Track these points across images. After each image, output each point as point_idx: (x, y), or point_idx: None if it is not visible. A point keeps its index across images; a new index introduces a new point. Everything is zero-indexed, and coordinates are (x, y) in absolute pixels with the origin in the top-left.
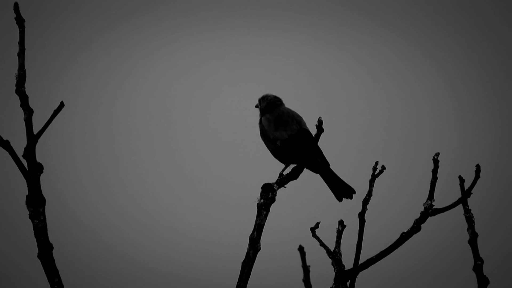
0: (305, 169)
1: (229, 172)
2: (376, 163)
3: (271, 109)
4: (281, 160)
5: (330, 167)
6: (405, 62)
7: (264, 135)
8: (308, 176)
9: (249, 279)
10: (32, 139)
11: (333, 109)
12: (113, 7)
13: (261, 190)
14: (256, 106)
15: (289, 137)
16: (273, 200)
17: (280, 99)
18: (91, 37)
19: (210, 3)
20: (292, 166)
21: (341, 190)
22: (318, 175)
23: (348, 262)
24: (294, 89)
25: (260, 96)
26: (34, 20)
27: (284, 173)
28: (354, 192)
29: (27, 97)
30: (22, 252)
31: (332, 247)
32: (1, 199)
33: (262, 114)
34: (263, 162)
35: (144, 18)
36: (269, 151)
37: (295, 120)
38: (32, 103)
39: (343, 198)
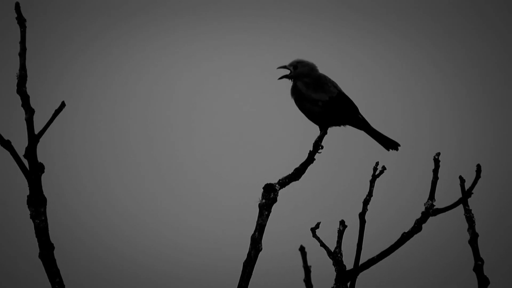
0: (308, 167)
1: (231, 172)
2: (377, 163)
3: (306, 74)
4: (321, 123)
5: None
6: (405, 61)
7: (302, 99)
8: (309, 176)
9: (250, 279)
10: (33, 139)
11: None
12: (114, 7)
13: (262, 190)
14: (285, 76)
15: (330, 99)
16: (274, 200)
17: (315, 65)
18: (92, 36)
19: (211, 3)
20: (296, 164)
21: (387, 142)
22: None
23: (349, 262)
24: None
25: (292, 60)
26: (34, 20)
27: (295, 167)
28: (399, 145)
29: (28, 97)
30: (23, 252)
31: (333, 247)
32: (2, 199)
33: (296, 79)
34: (265, 162)
35: (145, 18)
36: (305, 117)
37: (332, 83)
38: (33, 103)
39: (390, 150)
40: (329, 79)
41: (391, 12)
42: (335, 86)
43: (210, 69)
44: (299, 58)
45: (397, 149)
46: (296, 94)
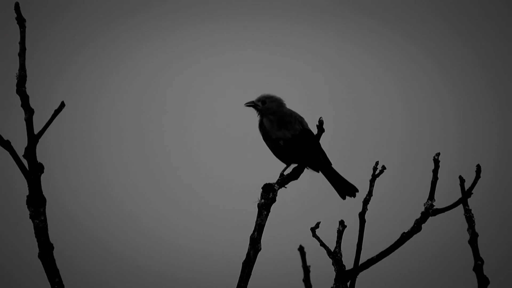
0: (306, 169)
1: (229, 172)
2: (377, 163)
3: (273, 110)
4: (283, 160)
5: (332, 166)
6: (406, 60)
7: (266, 135)
8: (309, 176)
9: (250, 279)
10: (33, 139)
11: (334, 108)
12: (113, 7)
13: (261, 190)
14: (251, 104)
15: (292, 137)
16: (273, 200)
17: (282, 100)
18: (91, 36)
19: (209, 2)
20: (293, 166)
21: (344, 188)
22: (319, 175)
23: (348, 262)
24: (296, 88)
25: (260, 95)
26: (33, 20)
27: (285, 173)
28: (357, 190)
29: (27, 97)
30: (23, 252)
31: (332, 247)
32: (2, 199)
33: (263, 115)
34: (264, 162)
35: (143, 18)
36: (270, 151)
37: (297, 120)
38: (32, 103)
39: (347, 197)
40: (296, 116)
41: (395, 12)
42: (300, 122)
43: (207, 70)
44: (267, 93)
45: (354, 196)
46: (262, 131)
